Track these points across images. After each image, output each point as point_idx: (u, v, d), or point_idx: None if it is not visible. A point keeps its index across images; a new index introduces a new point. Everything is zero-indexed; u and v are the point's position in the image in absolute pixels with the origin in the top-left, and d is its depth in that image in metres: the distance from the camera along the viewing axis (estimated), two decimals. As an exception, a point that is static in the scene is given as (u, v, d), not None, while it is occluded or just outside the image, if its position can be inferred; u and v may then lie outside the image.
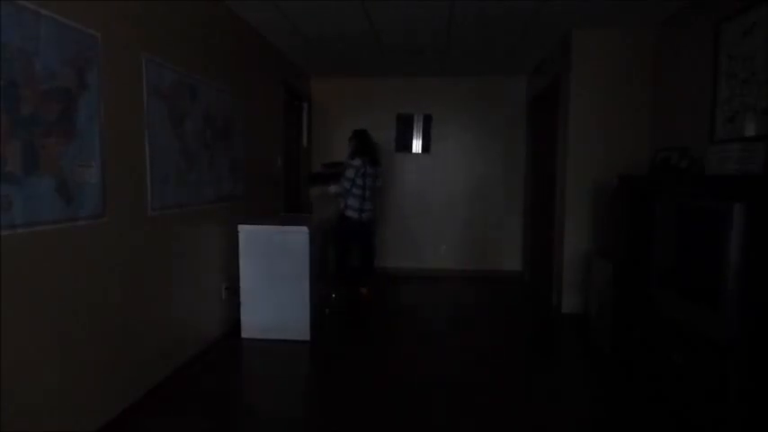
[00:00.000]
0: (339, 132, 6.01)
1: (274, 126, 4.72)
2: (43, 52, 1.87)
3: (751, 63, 2.70)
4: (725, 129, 2.93)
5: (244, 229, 3.51)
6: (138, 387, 2.56)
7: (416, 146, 5.92)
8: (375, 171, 4.64)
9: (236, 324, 3.60)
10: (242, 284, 3.54)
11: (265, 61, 4.43)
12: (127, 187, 2.43)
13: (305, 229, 3.50)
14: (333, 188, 4.61)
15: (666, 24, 3.74)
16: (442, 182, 5.98)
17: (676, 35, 3.60)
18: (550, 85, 4.64)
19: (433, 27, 3.99)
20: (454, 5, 3.48)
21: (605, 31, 3.98)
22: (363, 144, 4.62)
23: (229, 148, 3.61)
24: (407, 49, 4.68)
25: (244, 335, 3.55)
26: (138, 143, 2.52)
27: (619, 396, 2.77)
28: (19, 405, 1.81)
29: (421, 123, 5.88)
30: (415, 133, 5.90)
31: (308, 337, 3.53)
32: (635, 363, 2.95)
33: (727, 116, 2.91)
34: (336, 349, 3.49)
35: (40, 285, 1.91)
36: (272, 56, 4.61)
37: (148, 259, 2.63)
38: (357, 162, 4.50)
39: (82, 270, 2.13)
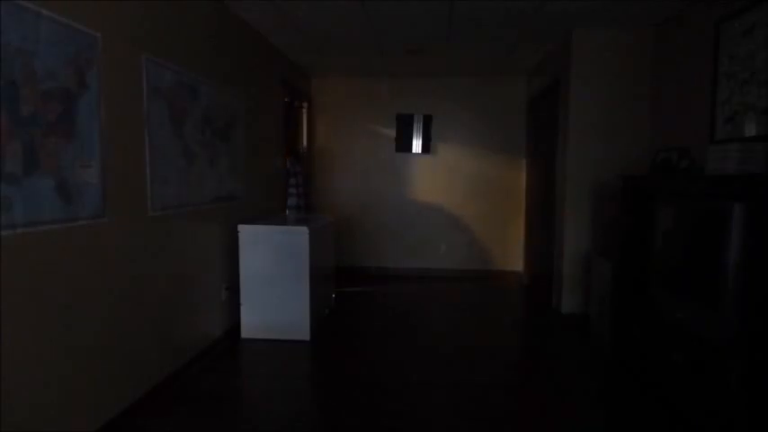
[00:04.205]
0: (339, 132, 6.03)
1: (274, 126, 4.72)
2: (43, 52, 1.87)
3: (751, 63, 2.70)
4: (725, 129, 2.93)
5: (244, 229, 3.51)
6: (138, 387, 2.56)
7: (416, 146, 5.92)
8: (301, 168, 5.21)
9: (236, 324, 3.60)
10: (242, 284, 3.54)
11: (265, 61, 4.43)
12: (127, 187, 2.43)
13: (305, 229, 3.50)
14: None
15: (666, 24, 3.74)
16: (441, 182, 5.98)
17: (676, 35, 3.60)
18: (550, 85, 4.64)
19: (433, 27, 3.99)
20: (454, 5, 3.48)
21: (605, 30, 3.97)
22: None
23: (229, 148, 3.61)
24: (407, 50, 4.68)
25: (244, 335, 3.55)
26: (138, 143, 2.52)
27: (619, 396, 2.77)
28: (19, 405, 1.81)
29: (421, 123, 5.88)
30: (415, 133, 5.90)
31: (308, 337, 3.53)
32: (635, 363, 2.95)
33: (727, 116, 2.91)
34: (336, 349, 3.49)
35: (40, 285, 1.91)
36: (272, 56, 4.61)
37: (148, 259, 2.63)
38: (287, 164, 4.99)
39: (82, 270, 2.13)
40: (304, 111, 5.78)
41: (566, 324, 4.04)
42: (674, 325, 2.57)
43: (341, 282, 5.12)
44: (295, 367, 3.20)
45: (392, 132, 5.94)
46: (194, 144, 3.07)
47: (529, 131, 5.70)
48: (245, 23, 3.91)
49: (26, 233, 1.81)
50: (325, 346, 3.51)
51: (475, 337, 3.76)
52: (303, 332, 3.52)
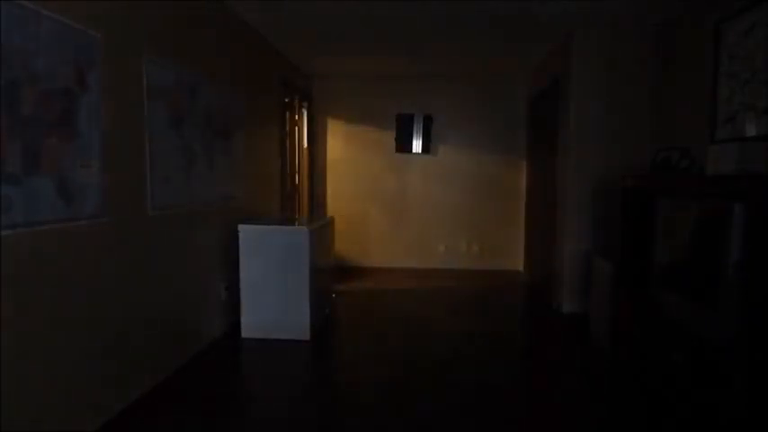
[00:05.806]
0: (339, 132, 6.03)
1: (274, 126, 4.72)
2: (44, 52, 1.87)
3: (751, 63, 2.70)
4: (725, 129, 2.93)
5: (244, 229, 3.51)
6: (138, 387, 2.56)
7: (416, 146, 5.92)
8: None
9: (236, 324, 3.61)
10: (242, 284, 3.53)
11: (265, 61, 4.43)
12: (127, 187, 2.43)
13: (305, 229, 3.50)
14: None
15: (667, 24, 3.74)
16: (442, 182, 5.98)
17: (676, 35, 3.60)
18: (551, 85, 4.64)
19: (433, 27, 3.99)
20: (454, 5, 3.48)
21: (605, 31, 3.97)
22: None
23: (229, 148, 3.61)
24: (408, 49, 4.68)
25: (244, 335, 3.55)
26: (138, 143, 2.52)
27: (619, 396, 2.77)
28: (19, 405, 1.81)
29: (421, 123, 5.88)
30: (415, 133, 5.90)
31: (308, 337, 3.52)
32: (635, 363, 2.95)
33: (727, 116, 2.91)
34: (336, 349, 3.49)
35: (41, 285, 1.91)
36: (272, 56, 4.61)
37: (148, 259, 2.63)
38: None
39: (82, 270, 2.13)
40: (304, 111, 5.78)
41: (566, 324, 4.03)
42: (674, 325, 2.57)
43: (341, 281, 5.13)
44: (295, 367, 3.19)
45: (392, 133, 5.94)
46: (194, 144, 3.07)
47: (529, 131, 5.70)
48: (245, 23, 3.91)
49: (26, 233, 1.81)
50: (325, 346, 3.51)
51: (475, 337, 3.76)
52: (303, 332, 3.52)
